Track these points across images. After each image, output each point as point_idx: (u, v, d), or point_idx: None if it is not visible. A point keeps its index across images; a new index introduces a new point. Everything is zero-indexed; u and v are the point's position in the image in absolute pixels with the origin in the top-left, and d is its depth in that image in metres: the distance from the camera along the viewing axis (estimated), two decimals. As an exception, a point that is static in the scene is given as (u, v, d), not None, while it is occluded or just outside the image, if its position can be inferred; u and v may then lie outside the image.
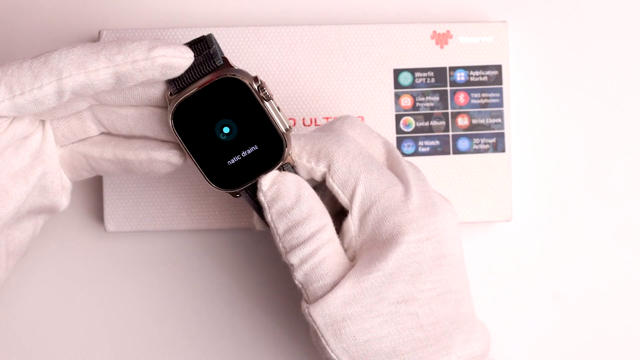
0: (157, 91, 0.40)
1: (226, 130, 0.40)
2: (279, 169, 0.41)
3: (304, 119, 0.50)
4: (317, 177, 0.42)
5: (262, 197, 0.41)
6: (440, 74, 0.50)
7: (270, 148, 0.41)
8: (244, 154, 0.41)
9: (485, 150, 0.51)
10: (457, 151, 0.51)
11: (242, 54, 0.50)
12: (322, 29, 0.50)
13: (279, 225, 0.41)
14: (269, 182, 0.41)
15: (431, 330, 0.41)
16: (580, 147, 0.53)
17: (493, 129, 0.51)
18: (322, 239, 0.40)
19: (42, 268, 0.52)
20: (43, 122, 0.42)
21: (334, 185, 0.42)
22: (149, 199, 0.50)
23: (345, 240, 0.42)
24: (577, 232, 0.53)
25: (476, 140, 0.51)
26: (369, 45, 0.50)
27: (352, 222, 0.42)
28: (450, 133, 0.51)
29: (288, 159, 0.41)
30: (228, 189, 0.41)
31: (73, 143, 0.43)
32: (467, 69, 0.50)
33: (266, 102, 0.40)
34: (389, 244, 0.40)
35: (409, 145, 0.51)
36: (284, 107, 0.50)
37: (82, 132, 0.42)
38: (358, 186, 0.41)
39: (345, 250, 0.42)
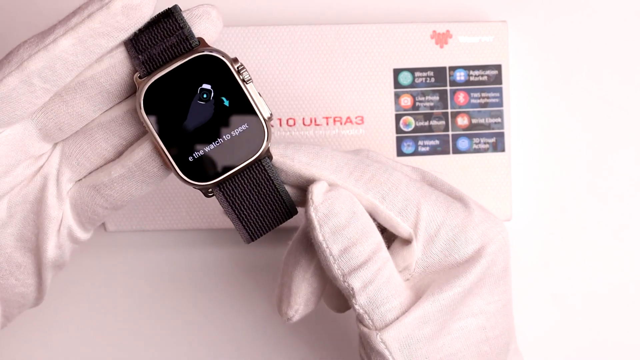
0: (125, 77, 0.36)
1: (201, 114, 0.37)
2: (257, 163, 0.37)
3: (303, 118, 0.50)
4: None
5: (312, 213, 0.37)
6: (440, 73, 0.51)
7: (249, 136, 0.37)
8: (219, 141, 0.37)
9: (485, 150, 0.51)
10: (456, 151, 0.51)
11: (242, 54, 0.50)
12: (322, 29, 0.50)
13: (333, 246, 0.37)
14: (322, 195, 0.37)
15: (495, 342, 0.39)
16: (580, 147, 0.53)
17: (493, 129, 0.51)
18: (382, 257, 0.37)
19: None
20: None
21: (391, 214, 0.38)
22: (149, 199, 0.50)
23: (402, 264, 0.39)
24: (577, 232, 0.53)
25: (476, 140, 0.51)
26: (369, 45, 0.50)
27: (416, 247, 0.39)
28: (450, 133, 0.51)
29: (268, 153, 0.38)
30: (200, 181, 0.37)
31: (80, 180, 0.39)
32: (466, 68, 0.51)
33: (247, 85, 0.37)
34: (466, 260, 0.39)
35: (408, 145, 0.51)
36: (284, 106, 0.50)
37: (96, 156, 0.38)
38: (421, 211, 0.38)
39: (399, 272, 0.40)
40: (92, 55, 0.35)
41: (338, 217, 0.37)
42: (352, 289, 0.37)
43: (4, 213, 0.38)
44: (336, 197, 0.37)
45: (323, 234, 0.37)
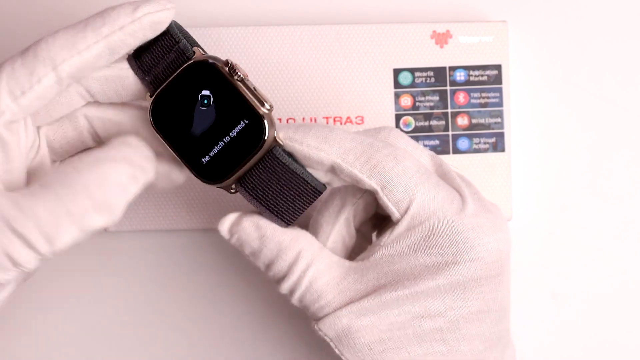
0: (137, 90, 0.39)
1: (205, 119, 0.39)
2: (268, 154, 0.39)
3: (303, 118, 0.50)
4: (362, 186, 0.40)
5: (231, 244, 0.41)
6: (440, 73, 0.51)
7: (250, 131, 0.38)
8: (225, 140, 0.39)
9: (485, 150, 0.51)
10: (457, 151, 0.51)
11: (242, 54, 0.50)
12: (322, 29, 0.50)
13: (258, 264, 0.41)
14: (227, 232, 0.41)
15: (455, 345, 0.40)
16: (580, 147, 0.53)
17: (493, 129, 0.51)
18: (301, 266, 0.40)
19: (41, 267, 0.52)
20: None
21: (388, 202, 0.40)
22: (149, 199, 0.50)
23: (384, 240, 0.41)
24: (577, 232, 0.53)
25: (476, 140, 0.51)
26: (369, 45, 0.50)
27: (388, 234, 0.40)
28: (450, 133, 0.51)
29: (276, 142, 0.39)
30: (217, 181, 0.39)
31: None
32: (466, 68, 0.51)
33: (239, 83, 0.38)
34: (432, 264, 0.39)
35: (408, 145, 0.51)
36: (284, 106, 0.50)
37: (80, 143, 0.41)
38: (412, 204, 0.39)
39: (359, 252, 0.42)
40: (110, 62, 0.38)
41: (250, 244, 0.41)
42: (284, 293, 0.41)
43: None
44: (241, 230, 0.41)
45: (248, 256, 0.42)
